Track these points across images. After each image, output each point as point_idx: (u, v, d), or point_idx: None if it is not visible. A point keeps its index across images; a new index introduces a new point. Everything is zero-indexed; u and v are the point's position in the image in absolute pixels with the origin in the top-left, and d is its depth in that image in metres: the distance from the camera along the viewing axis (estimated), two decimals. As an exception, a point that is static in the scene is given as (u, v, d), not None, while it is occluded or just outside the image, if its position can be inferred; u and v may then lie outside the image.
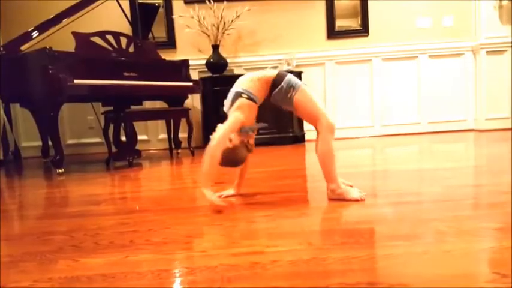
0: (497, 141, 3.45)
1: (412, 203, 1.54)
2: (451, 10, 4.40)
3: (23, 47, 3.03)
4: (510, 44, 4.30)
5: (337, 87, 4.45)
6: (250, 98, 1.57)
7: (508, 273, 0.87)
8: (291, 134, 4.11)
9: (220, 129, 1.54)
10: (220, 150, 1.51)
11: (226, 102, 1.65)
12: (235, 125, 1.54)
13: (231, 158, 1.57)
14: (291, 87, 1.58)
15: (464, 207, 1.45)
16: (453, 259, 0.97)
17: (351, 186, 1.68)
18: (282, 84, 1.58)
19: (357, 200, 1.55)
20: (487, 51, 4.31)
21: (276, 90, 1.59)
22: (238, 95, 1.58)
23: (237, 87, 1.62)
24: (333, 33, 4.42)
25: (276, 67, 4.16)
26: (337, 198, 1.59)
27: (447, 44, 4.41)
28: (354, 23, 4.46)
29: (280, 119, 3.94)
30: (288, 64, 4.14)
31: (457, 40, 4.42)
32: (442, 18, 4.42)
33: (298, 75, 4.14)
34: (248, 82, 1.61)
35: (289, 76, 1.61)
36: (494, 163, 2.47)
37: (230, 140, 1.55)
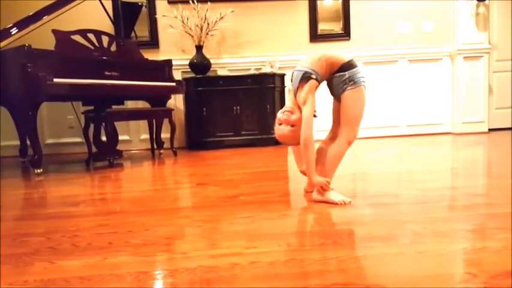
0: (472, 145, 3.55)
1: (389, 204, 1.57)
2: (430, 17, 4.51)
3: (1, 44, 2.96)
4: (486, 50, 4.44)
5: (319, 90, 4.48)
6: (317, 80, 1.59)
7: (479, 274, 0.90)
8: (272, 135, 4.12)
9: (304, 114, 1.57)
10: (312, 132, 1.58)
11: (293, 80, 1.64)
12: (313, 107, 1.58)
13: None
14: (352, 80, 1.57)
15: (440, 209, 1.49)
16: (427, 260, 1.00)
17: (332, 189, 1.71)
18: (346, 73, 1.57)
19: (338, 204, 1.58)
20: (464, 57, 4.43)
21: (338, 74, 1.59)
22: (308, 76, 1.57)
23: (306, 66, 1.60)
24: (315, 36, 4.47)
25: (259, 69, 4.18)
26: (321, 200, 1.62)
27: (426, 49, 4.52)
28: (336, 27, 4.51)
29: (262, 120, 3.96)
30: (271, 66, 4.16)
31: (435, 46, 4.53)
32: (421, 24, 4.53)
33: (281, 77, 4.17)
34: (316, 61, 1.60)
35: (358, 69, 1.59)
36: (469, 166, 2.54)
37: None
